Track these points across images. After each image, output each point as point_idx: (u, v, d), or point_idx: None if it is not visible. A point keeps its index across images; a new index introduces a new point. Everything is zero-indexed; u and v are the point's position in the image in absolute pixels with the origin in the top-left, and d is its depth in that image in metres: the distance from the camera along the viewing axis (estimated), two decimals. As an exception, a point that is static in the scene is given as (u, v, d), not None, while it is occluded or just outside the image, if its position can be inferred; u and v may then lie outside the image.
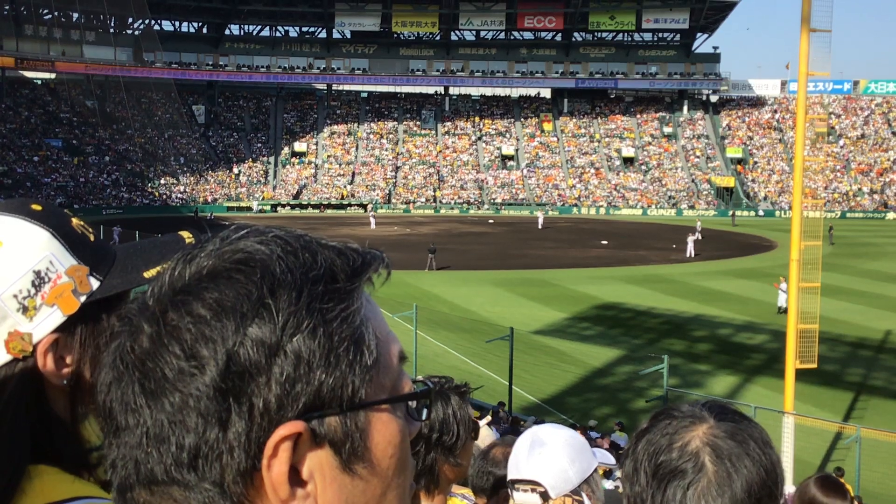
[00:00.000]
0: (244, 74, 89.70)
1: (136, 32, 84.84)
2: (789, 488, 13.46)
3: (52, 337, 1.19)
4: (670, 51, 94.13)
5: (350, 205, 78.50)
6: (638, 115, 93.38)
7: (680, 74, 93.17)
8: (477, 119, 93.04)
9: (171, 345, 0.70)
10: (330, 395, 0.71)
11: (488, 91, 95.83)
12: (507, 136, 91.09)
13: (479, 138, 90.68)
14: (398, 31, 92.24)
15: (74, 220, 1.28)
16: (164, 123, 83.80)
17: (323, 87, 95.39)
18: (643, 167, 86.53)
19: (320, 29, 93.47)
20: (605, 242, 51.58)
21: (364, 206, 76.51)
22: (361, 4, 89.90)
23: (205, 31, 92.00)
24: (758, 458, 1.23)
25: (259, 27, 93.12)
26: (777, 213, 76.22)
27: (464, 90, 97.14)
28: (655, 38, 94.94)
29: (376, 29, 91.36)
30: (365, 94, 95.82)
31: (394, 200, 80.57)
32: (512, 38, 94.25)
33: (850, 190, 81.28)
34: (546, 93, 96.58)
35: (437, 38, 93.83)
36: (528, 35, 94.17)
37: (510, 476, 2.33)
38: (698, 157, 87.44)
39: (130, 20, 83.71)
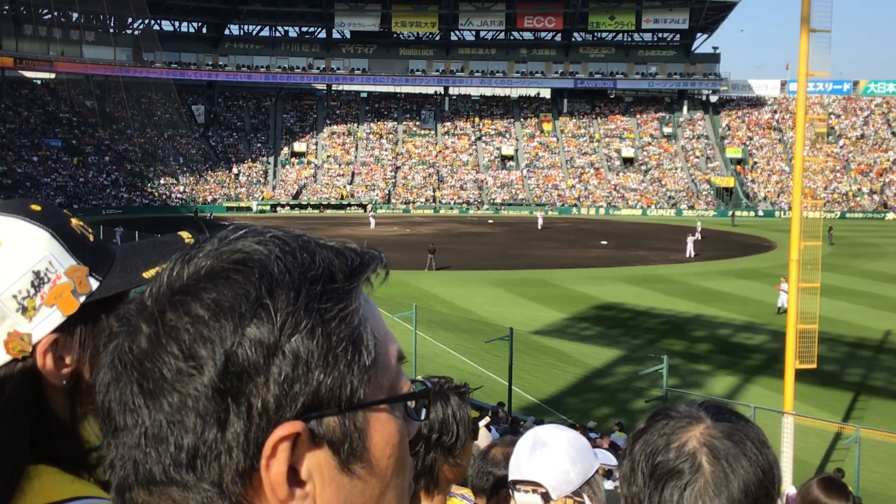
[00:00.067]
0: (244, 74, 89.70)
1: (136, 32, 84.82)
2: (790, 489, 13.46)
3: (51, 337, 1.19)
4: (670, 51, 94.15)
5: (350, 205, 78.49)
6: (637, 116, 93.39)
7: (680, 75, 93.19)
8: (476, 119, 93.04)
9: (169, 345, 0.70)
10: (328, 395, 0.71)
11: (488, 91, 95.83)
12: (507, 136, 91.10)
13: (479, 138, 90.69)
14: (398, 32, 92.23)
15: (74, 221, 1.28)
16: (164, 123, 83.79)
17: (322, 87, 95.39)
18: (643, 167, 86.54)
19: (320, 29, 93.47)
20: (604, 243, 51.58)
21: (364, 207, 76.50)
22: (361, 4, 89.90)
23: (204, 31, 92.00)
24: (755, 458, 1.23)
25: (259, 27, 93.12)
26: (777, 213, 76.23)
27: (463, 90, 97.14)
28: (655, 39, 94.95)
29: (376, 29, 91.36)
30: (364, 95, 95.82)
31: (393, 200, 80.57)
32: (511, 38, 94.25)
33: (850, 190, 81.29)
34: (546, 93, 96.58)
35: (437, 38, 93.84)
36: (527, 35, 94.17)
37: (511, 476, 2.33)
38: (698, 157, 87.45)
39: (130, 20, 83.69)
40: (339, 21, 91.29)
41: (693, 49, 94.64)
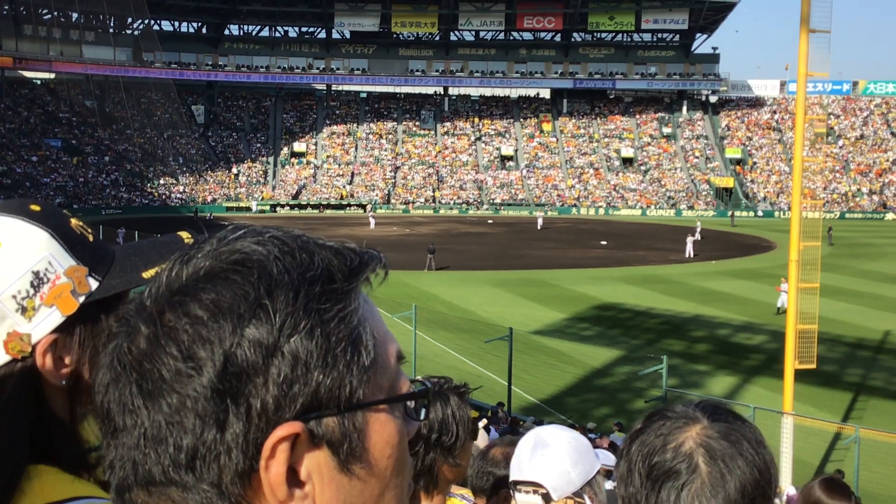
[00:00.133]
0: (243, 74, 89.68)
1: (136, 32, 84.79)
2: (789, 489, 13.46)
3: (50, 337, 1.19)
4: (669, 51, 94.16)
5: (349, 205, 78.48)
6: (637, 116, 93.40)
7: (679, 75, 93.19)
8: (476, 119, 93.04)
9: (168, 346, 0.70)
10: (328, 395, 0.71)
11: (487, 91, 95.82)
12: (507, 136, 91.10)
13: (479, 138, 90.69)
14: (397, 32, 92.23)
15: (73, 221, 1.28)
16: (164, 123, 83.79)
17: (322, 87, 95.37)
18: (642, 167, 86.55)
19: (319, 29, 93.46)
20: (604, 243, 51.59)
21: (363, 207, 76.49)
22: (361, 5, 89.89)
23: (204, 31, 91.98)
24: (751, 458, 1.23)
25: (258, 27, 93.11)
26: (776, 213, 76.23)
27: (463, 90, 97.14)
28: (655, 39, 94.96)
29: (375, 29, 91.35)
30: (364, 95, 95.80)
31: (393, 201, 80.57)
32: (511, 38, 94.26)
33: (850, 190, 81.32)
34: (545, 93, 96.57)
35: (437, 38, 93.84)
36: (527, 35, 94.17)
37: (512, 477, 2.33)
38: (697, 157, 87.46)
39: (130, 20, 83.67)
40: (339, 21, 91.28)
41: (692, 49, 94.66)
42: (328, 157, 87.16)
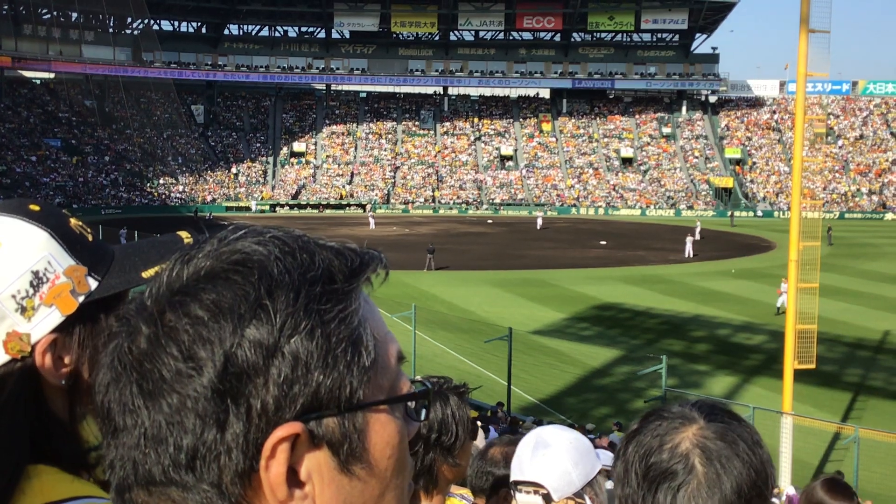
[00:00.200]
0: (243, 74, 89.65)
1: (135, 32, 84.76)
2: (789, 489, 13.47)
3: (50, 337, 1.19)
4: (669, 51, 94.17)
5: (349, 205, 78.47)
6: (637, 116, 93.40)
7: (679, 75, 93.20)
8: (476, 119, 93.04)
9: (168, 346, 0.70)
10: (328, 396, 0.71)
11: (487, 91, 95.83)
12: (506, 136, 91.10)
13: (478, 138, 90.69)
14: (397, 32, 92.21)
15: (73, 221, 1.28)
16: (163, 123, 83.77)
17: (322, 87, 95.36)
18: (642, 167, 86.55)
19: (319, 29, 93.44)
20: (603, 243, 51.59)
21: (363, 207, 76.48)
22: (360, 4, 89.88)
23: (204, 30, 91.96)
24: (747, 458, 1.24)
25: (258, 27, 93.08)
26: (776, 213, 76.24)
27: (462, 90, 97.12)
28: (654, 39, 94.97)
29: (375, 29, 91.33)
30: (364, 95, 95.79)
31: (392, 200, 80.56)
32: (511, 38, 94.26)
33: (849, 190, 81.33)
34: (545, 93, 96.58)
35: (436, 38, 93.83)
36: (527, 35, 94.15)
37: (513, 477, 2.33)
38: (697, 157, 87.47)
39: (129, 20, 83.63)
40: (339, 21, 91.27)
41: (692, 49, 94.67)
42: (328, 156, 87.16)
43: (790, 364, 16.90)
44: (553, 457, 2.26)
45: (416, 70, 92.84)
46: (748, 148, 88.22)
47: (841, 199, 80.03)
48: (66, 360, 1.20)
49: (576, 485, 2.25)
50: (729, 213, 72.72)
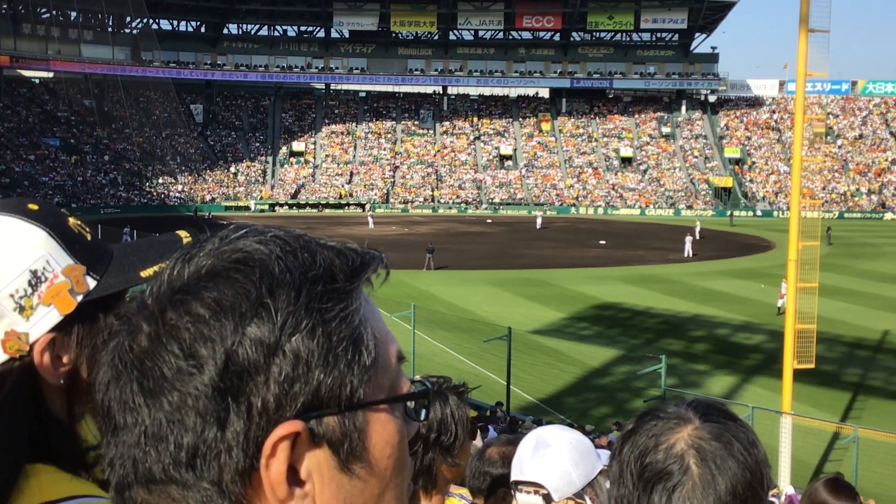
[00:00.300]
0: (242, 74, 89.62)
1: (134, 31, 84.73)
2: (788, 489, 13.47)
3: (48, 336, 1.18)
4: (668, 51, 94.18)
5: (348, 204, 78.47)
6: (636, 115, 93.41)
7: (678, 74, 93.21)
8: (475, 119, 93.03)
9: (169, 344, 0.70)
10: (328, 394, 0.71)
11: (486, 91, 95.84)
12: (506, 135, 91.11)
13: (478, 138, 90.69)
14: (396, 31, 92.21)
15: (71, 220, 1.27)
16: (162, 122, 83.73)
17: (321, 86, 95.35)
18: (641, 167, 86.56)
19: (318, 28, 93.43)
20: (603, 242, 51.60)
21: (362, 206, 76.48)
22: (360, 4, 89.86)
23: (203, 30, 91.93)
24: (742, 459, 1.24)
25: (257, 26, 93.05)
26: (775, 213, 76.26)
27: (462, 90, 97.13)
28: (654, 38, 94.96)
29: (374, 28, 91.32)
30: (363, 94, 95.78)
31: (392, 200, 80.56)
32: (510, 37, 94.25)
33: (848, 190, 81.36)
34: (544, 92, 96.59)
35: (436, 37, 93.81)
36: (526, 35, 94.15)
37: (513, 477, 2.33)
38: (696, 157, 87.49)
39: (128, 19, 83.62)
40: (338, 20, 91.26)
41: (691, 49, 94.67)
42: (327, 156, 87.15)
43: (789, 364, 16.90)
44: (553, 457, 2.26)
45: (416, 69, 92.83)
46: (747, 147, 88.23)
47: (840, 199, 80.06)
48: (65, 359, 1.20)
49: (576, 485, 2.25)
50: (728, 213, 72.74)
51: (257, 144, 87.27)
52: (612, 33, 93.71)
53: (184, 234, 1.35)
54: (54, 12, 77.03)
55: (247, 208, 75.47)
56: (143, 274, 1.26)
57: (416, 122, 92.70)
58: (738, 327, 27.96)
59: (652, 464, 1.25)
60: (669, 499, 1.23)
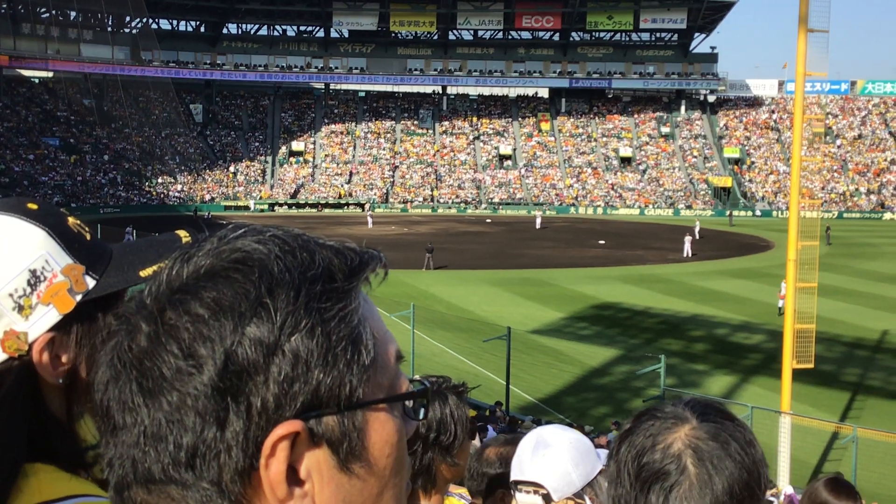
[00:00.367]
0: (241, 73, 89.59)
1: (134, 31, 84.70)
2: (787, 489, 13.47)
3: (47, 336, 1.19)
4: (668, 51, 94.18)
5: (347, 204, 78.46)
6: (635, 115, 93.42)
7: (677, 74, 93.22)
8: (474, 119, 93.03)
9: (168, 344, 0.70)
10: (328, 394, 0.71)
11: (486, 91, 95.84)
12: (505, 135, 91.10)
13: (477, 138, 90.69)
14: (396, 31, 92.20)
15: (70, 219, 1.28)
16: (162, 122, 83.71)
17: (320, 86, 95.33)
18: (640, 167, 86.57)
19: (318, 28, 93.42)
20: (602, 242, 51.60)
21: (361, 206, 76.47)
22: (359, 4, 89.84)
23: (202, 30, 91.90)
24: (739, 458, 1.24)
25: (257, 26, 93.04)
26: (774, 213, 76.28)
27: (461, 90, 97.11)
28: (653, 38, 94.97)
29: (374, 28, 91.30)
30: (363, 94, 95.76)
31: (391, 200, 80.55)
32: (510, 37, 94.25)
33: (848, 190, 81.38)
34: (544, 92, 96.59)
35: (435, 37, 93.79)
36: (525, 35, 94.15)
37: (513, 477, 2.33)
38: (696, 157, 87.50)
39: (128, 19, 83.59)
40: (338, 20, 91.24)
41: (691, 49, 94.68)
42: (326, 156, 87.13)
43: (788, 363, 16.91)
44: (553, 457, 2.26)
45: (415, 69, 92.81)
46: (747, 147, 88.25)
47: (839, 199, 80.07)
48: (64, 358, 1.20)
49: (576, 485, 2.25)
50: (727, 213, 72.75)
51: (257, 144, 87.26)
52: (612, 33, 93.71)
53: (183, 234, 1.35)
54: (54, 12, 76.97)
55: (246, 208, 75.46)
56: (143, 274, 1.26)
57: (416, 122, 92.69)
58: (737, 327, 27.97)
59: (649, 463, 1.25)
60: (666, 499, 1.22)
